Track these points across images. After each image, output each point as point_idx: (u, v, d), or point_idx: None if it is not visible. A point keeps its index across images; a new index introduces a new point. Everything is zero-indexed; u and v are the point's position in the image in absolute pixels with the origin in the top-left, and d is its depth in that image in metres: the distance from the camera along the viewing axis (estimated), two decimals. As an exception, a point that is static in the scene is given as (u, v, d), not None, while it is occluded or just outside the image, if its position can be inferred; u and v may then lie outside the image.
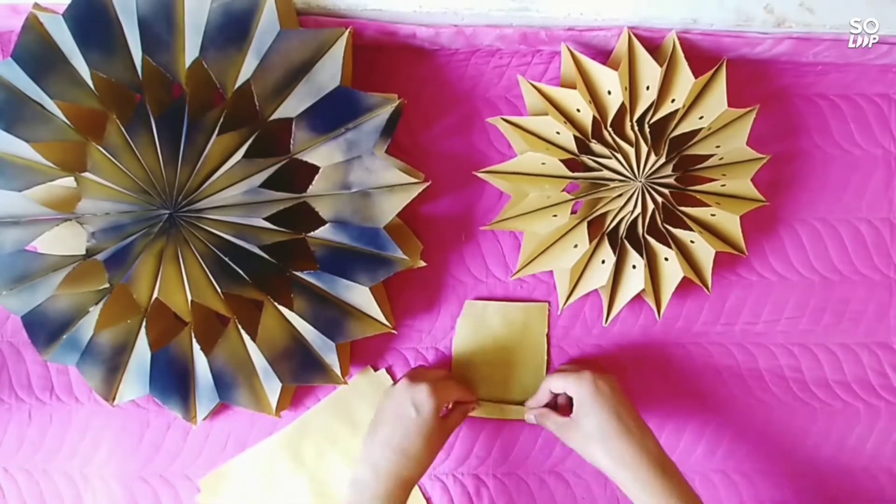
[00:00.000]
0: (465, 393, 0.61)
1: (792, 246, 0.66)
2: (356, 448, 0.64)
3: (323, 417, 0.65)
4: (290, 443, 0.65)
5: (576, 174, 0.58)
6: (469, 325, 0.65)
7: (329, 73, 0.54)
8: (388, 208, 0.56)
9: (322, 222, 0.55)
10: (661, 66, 0.55)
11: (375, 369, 0.65)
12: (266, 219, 0.54)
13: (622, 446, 0.52)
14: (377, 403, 0.58)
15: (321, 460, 0.65)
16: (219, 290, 0.54)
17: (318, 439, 0.65)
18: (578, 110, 0.58)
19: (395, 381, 0.58)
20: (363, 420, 0.65)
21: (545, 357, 0.65)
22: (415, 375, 0.57)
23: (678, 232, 0.58)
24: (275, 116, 0.54)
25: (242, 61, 0.54)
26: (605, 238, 0.58)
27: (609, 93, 0.57)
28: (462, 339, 0.65)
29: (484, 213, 0.65)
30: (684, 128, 0.57)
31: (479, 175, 0.60)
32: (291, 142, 0.54)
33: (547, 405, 0.60)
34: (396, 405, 0.55)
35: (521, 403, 0.64)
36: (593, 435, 0.53)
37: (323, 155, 0.55)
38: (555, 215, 0.59)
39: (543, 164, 0.58)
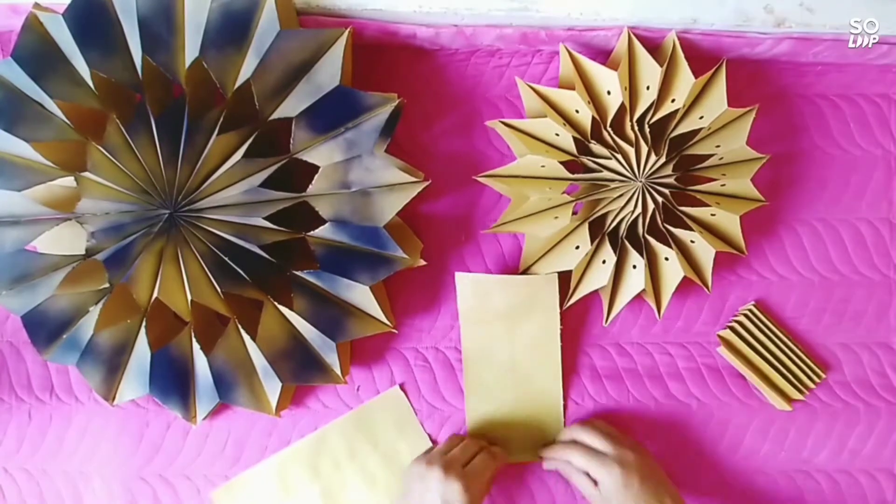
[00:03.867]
0: (493, 467, 0.59)
1: (792, 246, 0.66)
2: (373, 464, 0.64)
3: (343, 431, 0.65)
4: (308, 453, 0.65)
5: (576, 175, 0.58)
6: (471, 303, 0.63)
7: (329, 72, 0.54)
8: (388, 207, 0.56)
9: (322, 221, 0.55)
10: (661, 66, 0.55)
11: (376, 368, 0.65)
12: (266, 218, 0.54)
13: None
14: (406, 471, 0.59)
15: (337, 473, 0.65)
16: (219, 289, 0.54)
17: (337, 452, 0.65)
18: (577, 111, 0.58)
19: (429, 458, 0.57)
20: (383, 437, 0.65)
21: (558, 333, 0.63)
22: (450, 465, 0.55)
23: (678, 232, 0.58)
24: (274, 116, 0.54)
25: (242, 61, 0.54)
26: (606, 238, 0.58)
27: (608, 93, 0.57)
28: (467, 316, 0.63)
29: (484, 212, 0.65)
30: (684, 128, 0.57)
31: (479, 179, 0.60)
32: (291, 141, 0.54)
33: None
34: (424, 494, 0.54)
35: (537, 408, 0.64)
36: None
37: (323, 154, 0.55)
38: (556, 217, 0.59)
39: (543, 166, 0.58)
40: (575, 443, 0.59)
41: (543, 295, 0.62)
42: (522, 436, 0.64)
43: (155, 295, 0.55)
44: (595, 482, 0.56)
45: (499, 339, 0.64)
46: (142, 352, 0.59)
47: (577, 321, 0.65)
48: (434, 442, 0.65)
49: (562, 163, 0.57)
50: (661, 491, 0.55)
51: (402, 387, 0.65)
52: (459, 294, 0.63)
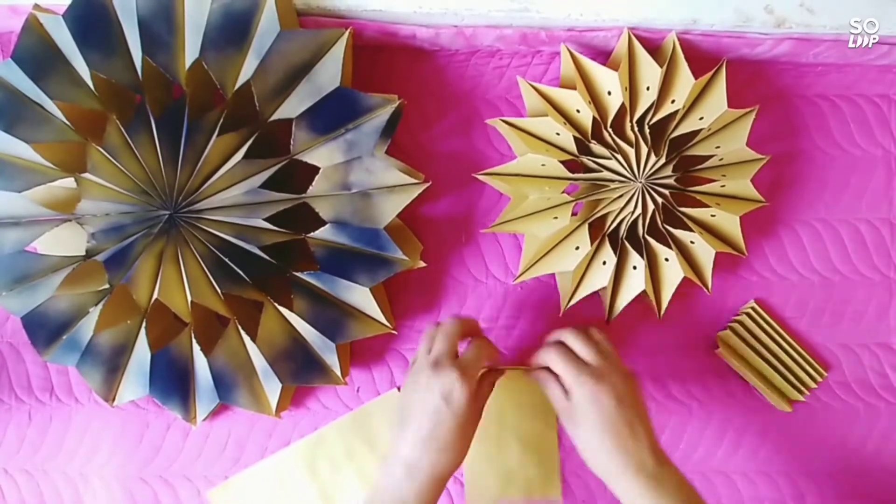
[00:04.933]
0: (490, 355, 0.54)
1: (792, 246, 0.66)
2: (371, 466, 0.64)
3: (342, 432, 0.65)
4: (306, 454, 0.65)
5: (576, 175, 0.58)
6: None
7: (329, 73, 0.54)
8: (388, 209, 0.56)
9: (322, 223, 0.55)
10: (661, 66, 0.55)
11: (376, 369, 0.65)
12: (266, 219, 0.54)
13: (617, 460, 0.49)
14: (401, 392, 0.54)
15: (335, 474, 0.65)
16: (219, 290, 0.54)
17: (335, 453, 0.65)
18: (578, 111, 0.58)
19: (416, 363, 0.52)
20: (381, 439, 0.65)
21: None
22: (437, 361, 0.50)
23: (678, 232, 0.58)
24: (275, 117, 0.54)
25: (242, 62, 0.54)
26: (606, 239, 0.58)
27: (609, 93, 0.57)
28: None
29: (484, 213, 0.65)
30: (684, 128, 0.57)
31: (479, 177, 0.60)
32: (291, 142, 0.54)
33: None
34: (424, 398, 0.49)
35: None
36: (588, 440, 0.50)
37: (323, 155, 0.55)
38: (555, 217, 0.59)
39: (543, 165, 0.58)
40: (560, 344, 0.54)
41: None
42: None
43: (155, 296, 0.55)
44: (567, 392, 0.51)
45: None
46: (142, 353, 0.59)
47: (577, 322, 0.65)
48: None
49: (562, 162, 0.57)
50: (635, 421, 0.49)
51: (400, 389, 0.65)
52: None
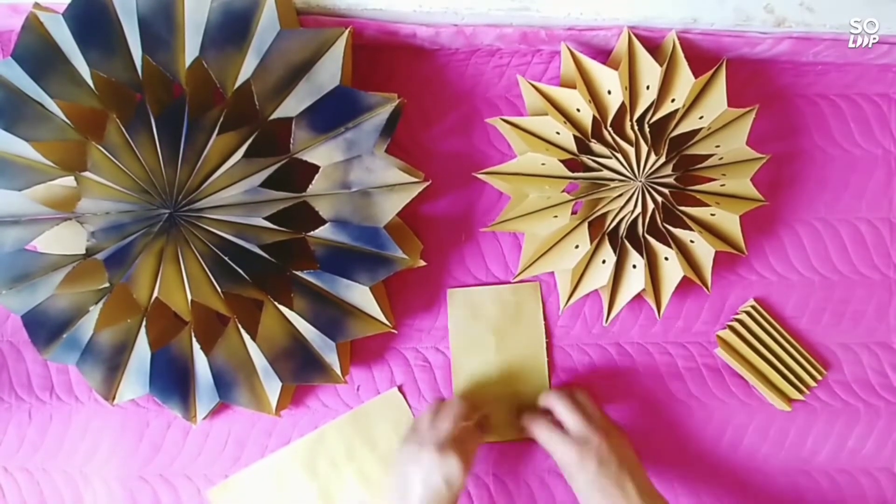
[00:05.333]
0: (484, 437, 0.60)
1: (792, 246, 0.66)
2: (370, 465, 0.65)
3: (341, 431, 0.65)
4: (305, 453, 0.65)
5: (576, 174, 0.58)
6: (461, 316, 0.65)
7: (329, 72, 0.54)
8: (388, 208, 0.56)
9: (322, 222, 0.55)
10: (660, 65, 0.55)
11: (376, 368, 0.65)
12: (266, 218, 0.54)
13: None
14: (398, 453, 0.57)
15: (335, 473, 0.65)
16: (219, 289, 0.54)
17: (335, 452, 0.65)
18: (578, 110, 0.58)
19: (418, 431, 0.57)
20: (381, 438, 0.65)
21: (543, 339, 0.65)
22: (442, 444, 0.54)
23: (678, 232, 0.58)
24: (275, 116, 0.54)
25: (242, 61, 0.54)
26: (606, 238, 0.58)
27: (609, 92, 0.57)
28: (456, 331, 0.65)
29: (484, 212, 0.65)
30: (684, 127, 0.57)
31: (479, 176, 0.60)
32: (291, 141, 0.54)
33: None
34: (427, 476, 0.53)
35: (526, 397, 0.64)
36: (577, 493, 0.55)
37: (323, 154, 0.55)
38: (555, 216, 0.59)
39: (543, 164, 0.58)
40: (546, 413, 0.59)
41: (528, 303, 0.65)
42: (507, 415, 0.64)
43: (155, 294, 0.55)
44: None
45: (487, 347, 0.65)
46: (142, 351, 0.59)
47: (577, 321, 0.65)
48: None
49: (562, 161, 0.57)
50: (623, 477, 0.53)
51: (401, 388, 0.65)
52: (450, 308, 0.65)
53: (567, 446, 0.55)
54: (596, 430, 0.55)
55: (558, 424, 0.58)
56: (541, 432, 0.57)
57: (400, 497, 0.54)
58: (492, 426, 0.63)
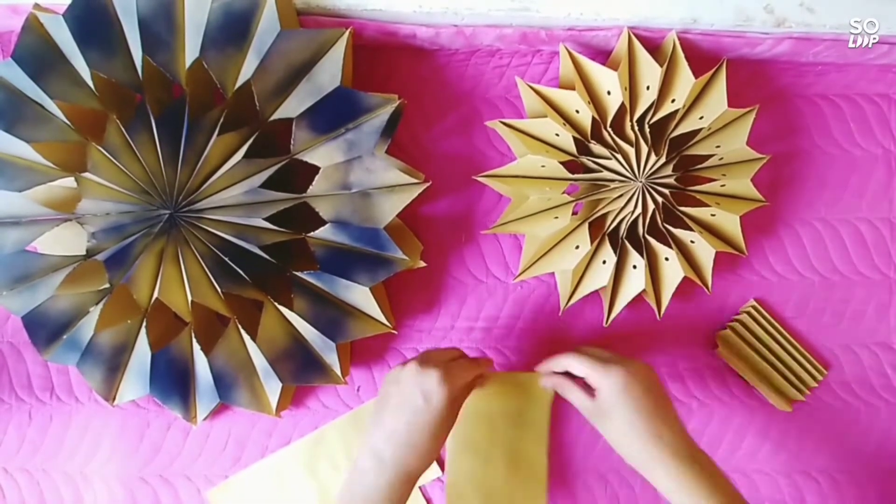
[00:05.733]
0: (476, 370, 0.55)
1: (792, 246, 0.66)
2: None
3: (341, 432, 0.65)
4: (305, 453, 0.65)
5: (576, 176, 0.58)
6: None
7: (329, 73, 0.54)
8: (389, 208, 0.56)
9: (322, 222, 0.55)
10: (660, 66, 0.55)
11: (376, 369, 0.65)
12: (266, 219, 0.54)
13: (652, 448, 0.49)
14: (383, 386, 0.53)
15: (335, 473, 0.65)
16: (219, 290, 0.54)
17: (334, 453, 0.65)
18: (577, 111, 0.58)
19: (405, 363, 0.52)
20: None
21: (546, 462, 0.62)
22: (425, 359, 0.51)
23: (678, 232, 0.58)
24: (275, 116, 0.54)
25: (243, 61, 0.54)
26: (606, 238, 0.58)
27: (609, 93, 0.57)
28: (453, 451, 0.62)
29: (484, 213, 0.65)
30: (684, 128, 0.57)
31: (479, 179, 0.60)
32: (292, 142, 0.54)
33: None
34: (404, 393, 0.49)
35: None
36: (624, 434, 0.50)
37: (323, 155, 0.55)
38: (556, 217, 0.59)
39: (543, 166, 0.58)
40: (575, 351, 0.54)
41: (535, 408, 0.62)
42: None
43: (155, 295, 0.55)
44: (593, 393, 0.52)
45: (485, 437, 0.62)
46: (142, 352, 0.59)
47: (577, 321, 0.65)
48: None
49: (562, 163, 0.57)
50: (666, 407, 0.50)
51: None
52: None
53: (611, 369, 0.50)
54: (633, 362, 0.51)
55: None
56: (573, 362, 0.52)
57: (376, 421, 0.50)
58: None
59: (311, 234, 0.56)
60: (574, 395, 0.53)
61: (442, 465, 0.64)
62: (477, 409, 0.62)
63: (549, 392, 0.61)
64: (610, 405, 0.50)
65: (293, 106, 0.54)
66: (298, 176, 0.55)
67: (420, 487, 0.65)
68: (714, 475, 0.49)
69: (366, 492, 0.48)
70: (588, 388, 0.53)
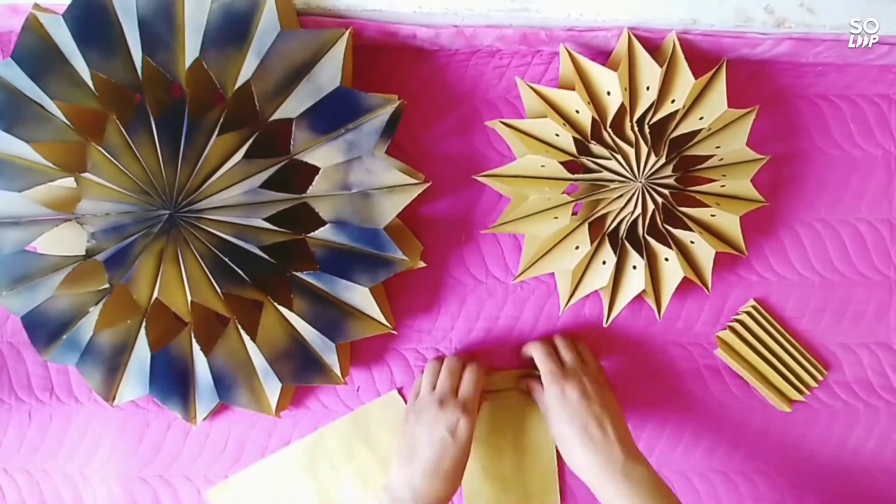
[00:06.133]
0: (482, 383, 0.60)
1: (792, 246, 0.66)
2: (370, 467, 0.65)
3: (341, 433, 0.65)
4: (305, 454, 0.65)
5: (576, 176, 0.58)
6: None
7: (329, 73, 0.54)
8: (389, 209, 0.56)
9: (322, 223, 0.55)
10: (660, 66, 0.55)
11: (375, 369, 0.66)
12: (266, 219, 0.54)
13: (586, 456, 0.53)
14: (403, 422, 0.59)
15: (334, 474, 0.65)
16: (219, 290, 0.54)
17: (334, 454, 0.65)
18: (577, 112, 0.58)
19: (418, 398, 0.58)
20: (380, 440, 0.65)
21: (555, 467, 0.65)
22: (443, 400, 0.56)
23: (678, 232, 0.58)
24: (275, 117, 0.54)
25: (242, 61, 0.54)
26: (606, 239, 0.58)
27: (608, 93, 0.57)
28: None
29: (484, 213, 0.65)
30: (684, 128, 0.57)
31: (479, 179, 0.60)
32: (291, 142, 0.54)
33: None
34: (432, 433, 0.54)
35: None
36: (559, 440, 0.56)
37: (323, 155, 0.55)
38: (555, 217, 0.59)
39: (543, 166, 0.58)
40: (547, 342, 0.61)
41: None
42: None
43: (155, 295, 0.55)
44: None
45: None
46: (142, 352, 0.59)
47: (577, 321, 0.65)
48: None
49: (562, 163, 0.57)
50: (602, 416, 0.54)
51: (400, 390, 0.65)
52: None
53: (554, 375, 0.56)
54: (586, 371, 0.58)
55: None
56: (536, 353, 0.59)
57: (407, 456, 0.55)
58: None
59: (311, 234, 0.56)
60: (536, 393, 0.61)
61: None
62: (482, 430, 0.64)
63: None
64: (551, 409, 0.56)
65: (293, 106, 0.54)
66: (298, 176, 0.55)
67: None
68: (650, 490, 0.51)
69: None
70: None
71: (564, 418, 0.55)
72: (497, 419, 0.64)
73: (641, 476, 0.51)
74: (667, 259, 0.58)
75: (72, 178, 0.54)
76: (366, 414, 0.65)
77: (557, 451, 0.64)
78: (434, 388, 0.58)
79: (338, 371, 0.59)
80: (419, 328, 0.66)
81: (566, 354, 0.60)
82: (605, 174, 0.58)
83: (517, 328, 0.65)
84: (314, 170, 0.55)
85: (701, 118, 0.57)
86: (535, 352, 0.60)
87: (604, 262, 0.59)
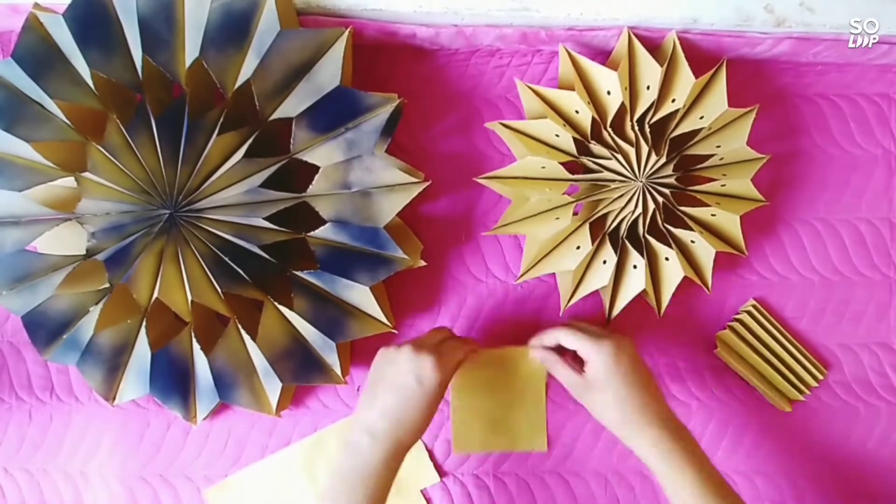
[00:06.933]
0: (466, 349, 0.58)
1: (792, 246, 0.66)
2: None
3: (340, 436, 0.65)
4: (304, 456, 0.65)
5: (576, 176, 0.58)
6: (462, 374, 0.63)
7: (329, 72, 0.54)
8: (389, 208, 0.56)
9: (322, 222, 0.55)
10: (661, 66, 0.55)
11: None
12: (266, 218, 0.54)
13: (639, 418, 0.52)
14: (374, 360, 0.56)
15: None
16: (219, 289, 0.54)
17: (333, 456, 0.64)
18: (577, 112, 0.58)
19: (400, 345, 0.54)
20: None
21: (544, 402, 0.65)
22: (419, 344, 0.54)
23: (679, 232, 0.58)
24: (275, 116, 0.54)
25: (242, 61, 0.54)
26: (607, 238, 0.58)
27: (608, 93, 0.57)
28: (457, 388, 0.64)
29: (484, 212, 0.65)
30: (684, 128, 0.57)
31: (480, 181, 0.60)
32: (291, 141, 0.54)
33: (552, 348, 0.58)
34: (398, 374, 0.52)
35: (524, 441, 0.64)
36: (611, 405, 0.53)
37: (323, 155, 0.55)
38: (557, 218, 0.59)
39: (543, 167, 0.58)
40: (566, 325, 0.58)
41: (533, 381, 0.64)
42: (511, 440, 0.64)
43: (155, 295, 0.55)
44: (581, 368, 0.55)
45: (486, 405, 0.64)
46: (142, 352, 0.59)
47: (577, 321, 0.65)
48: (429, 450, 0.65)
49: (562, 163, 0.57)
50: (650, 379, 0.54)
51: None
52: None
53: (602, 343, 0.53)
54: (619, 336, 0.55)
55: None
56: (565, 335, 0.55)
57: (368, 393, 0.54)
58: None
59: (311, 233, 0.56)
60: (562, 370, 0.56)
61: (437, 467, 0.65)
62: (473, 374, 0.63)
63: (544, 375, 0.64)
64: (602, 377, 0.53)
65: (293, 105, 0.54)
66: (298, 175, 0.55)
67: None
68: (691, 444, 0.52)
69: (360, 465, 0.51)
70: (575, 364, 0.56)
71: (619, 385, 0.52)
72: (487, 365, 0.63)
73: (685, 433, 0.53)
74: (667, 258, 0.58)
75: (72, 178, 0.54)
76: None
77: (546, 392, 0.64)
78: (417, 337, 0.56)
79: (338, 370, 0.59)
80: (419, 327, 0.66)
81: (590, 328, 0.56)
82: (606, 174, 0.58)
83: (517, 328, 0.65)
84: (314, 169, 0.55)
85: (701, 117, 0.57)
86: (560, 335, 0.56)
87: (604, 262, 0.59)
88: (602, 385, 0.53)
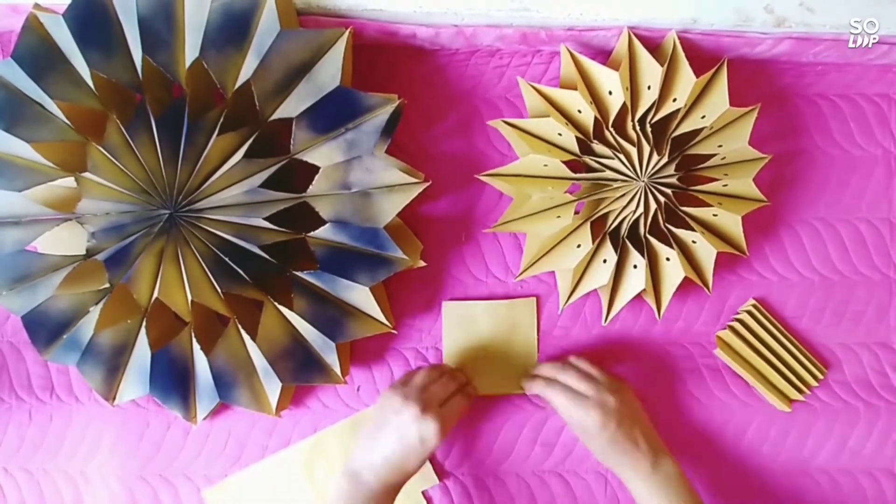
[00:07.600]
0: (466, 409, 0.61)
1: (792, 246, 0.66)
2: None
3: (340, 436, 0.65)
4: (303, 457, 0.65)
5: (578, 175, 0.58)
6: (456, 328, 0.65)
7: (329, 73, 0.54)
8: (389, 208, 0.56)
9: (322, 222, 0.55)
10: (661, 65, 0.55)
11: (376, 369, 0.66)
12: (266, 219, 0.54)
13: (628, 473, 0.57)
14: (382, 397, 0.59)
15: (332, 478, 0.64)
16: (219, 289, 0.54)
17: (333, 457, 0.65)
18: (579, 111, 0.58)
19: (406, 396, 0.57)
20: None
21: (536, 351, 0.65)
22: (426, 404, 0.56)
23: (680, 232, 0.58)
24: (275, 116, 0.54)
25: (242, 61, 0.54)
26: (607, 238, 0.58)
27: (610, 93, 0.57)
28: (451, 341, 0.65)
29: (484, 213, 0.65)
30: (686, 127, 0.57)
31: (482, 178, 0.60)
32: (291, 142, 0.54)
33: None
34: (402, 427, 0.55)
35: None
36: (598, 453, 0.58)
37: (323, 155, 0.55)
38: (558, 216, 0.59)
39: (546, 165, 0.58)
40: (554, 381, 0.59)
41: (523, 319, 0.65)
42: (499, 369, 0.65)
43: (155, 295, 0.55)
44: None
45: (480, 357, 0.65)
46: (142, 352, 0.59)
47: (576, 321, 0.65)
48: None
49: (564, 162, 0.57)
50: (634, 431, 0.56)
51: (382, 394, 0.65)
52: (445, 321, 0.65)
53: (588, 409, 0.56)
54: (608, 391, 0.57)
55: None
56: (557, 398, 0.58)
57: (372, 436, 0.57)
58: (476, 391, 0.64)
59: (311, 233, 0.56)
60: (560, 404, 0.58)
61: (438, 468, 0.65)
62: (469, 334, 0.65)
63: (533, 310, 0.66)
64: (586, 439, 0.58)
65: (293, 106, 0.54)
66: (298, 176, 0.55)
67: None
68: (677, 485, 0.56)
69: (366, 492, 0.55)
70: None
71: (604, 443, 0.56)
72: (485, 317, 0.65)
73: (669, 474, 0.56)
74: (668, 259, 0.58)
75: (72, 178, 0.54)
76: (365, 418, 0.65)
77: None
78: (426, 387, 0.58)
79: (338, 370, 0.59)
80: (419, 327, 0.66)
81: (580, 386, 0.58)
82: (608, 173, 0.58)
83: (517, 328, 0.65)
84: (314, 169, 0.55)
85: (703, 117, 0.57)
86: (551, 396, 0.58)
87: (604, 261, 0.59)
88: (591, 440, 0.57)
